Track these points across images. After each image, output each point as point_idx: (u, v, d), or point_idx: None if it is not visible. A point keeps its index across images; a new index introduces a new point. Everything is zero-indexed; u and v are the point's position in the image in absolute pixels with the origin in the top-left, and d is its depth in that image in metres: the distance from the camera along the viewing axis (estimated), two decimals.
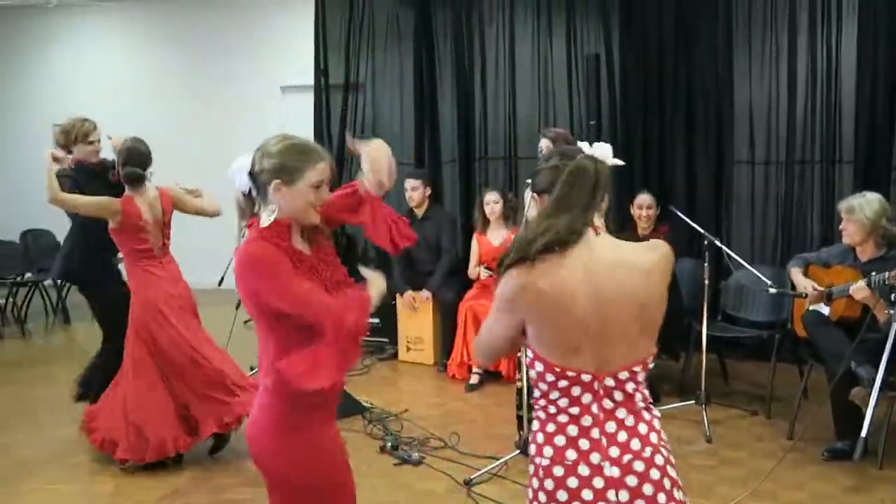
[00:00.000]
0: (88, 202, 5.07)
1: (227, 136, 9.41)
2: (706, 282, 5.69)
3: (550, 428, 2.20)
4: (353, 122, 8.67)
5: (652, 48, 7.51)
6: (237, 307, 6.40)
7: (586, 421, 2.16)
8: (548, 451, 2.18)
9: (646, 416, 2.22)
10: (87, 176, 5.31)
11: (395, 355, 7.60)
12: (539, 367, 2.20)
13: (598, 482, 2.12)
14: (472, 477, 4.83)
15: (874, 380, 4.39)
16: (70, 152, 5.36)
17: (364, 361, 7.41)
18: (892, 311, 4.64)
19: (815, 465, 4.94)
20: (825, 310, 5.23)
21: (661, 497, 2.15)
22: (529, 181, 4.76)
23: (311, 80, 8.91)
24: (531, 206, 2.34)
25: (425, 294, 7.32)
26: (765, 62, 7.30)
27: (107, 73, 11.42)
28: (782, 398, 5.96)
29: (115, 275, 5.52)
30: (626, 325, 2.17)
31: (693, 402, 5.74)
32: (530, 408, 5.12)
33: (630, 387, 2.20)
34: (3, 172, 11.64)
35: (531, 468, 2.25)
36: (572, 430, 2.16)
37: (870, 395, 4.39)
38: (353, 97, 8.65)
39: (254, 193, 2.67)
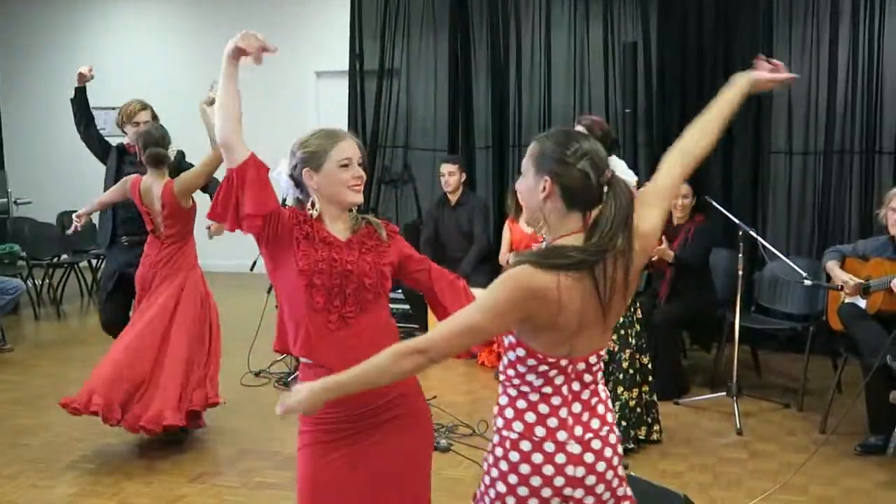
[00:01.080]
0: (115, 188, 5.20)
1: (262, 121, 9.35)
2: (740, 273, 5.62)
3: (521, 404, 2.24)
4: (387, 107, 8.69)
5: (691, 36, 7.43)
6: (269, 291, 6.43)
7: (556, 400, 2.23)
8: (517, 426, 2.23)
9: (602, 394, 2.32)
10: (118, 156, 5.61)
11: None
12: (521, 352, 2.22)
13: (561, 458, 2.19)
14: None
15: None
16: (124, 133, 5.55)
17: None
18: None
19: (848, 460, 4.88)
20: (862, 303, 5.16)
21: (609, 474, 2.24)
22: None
23: (346, 66, 8.92)
24: (527, 176, 2.28)
25: None
26: (805, 50, 7.19)
27: (140, 61, 11.37)
28: (815, 391, 5.90)
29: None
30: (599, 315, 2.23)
31: (724, 393, 5.69)
32: None
33: (595, 368, 2.29)
34: (40, 156, 11.77)
35: (495, 437, 2.29)
36: (543, 408, 2.22)
37: None
38: (387, 83, 8.66)
39: (300, 195, 2.74)
